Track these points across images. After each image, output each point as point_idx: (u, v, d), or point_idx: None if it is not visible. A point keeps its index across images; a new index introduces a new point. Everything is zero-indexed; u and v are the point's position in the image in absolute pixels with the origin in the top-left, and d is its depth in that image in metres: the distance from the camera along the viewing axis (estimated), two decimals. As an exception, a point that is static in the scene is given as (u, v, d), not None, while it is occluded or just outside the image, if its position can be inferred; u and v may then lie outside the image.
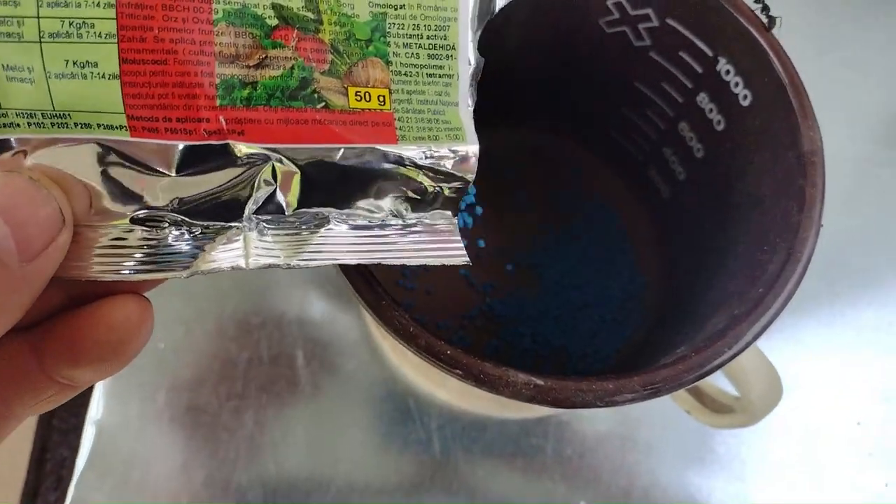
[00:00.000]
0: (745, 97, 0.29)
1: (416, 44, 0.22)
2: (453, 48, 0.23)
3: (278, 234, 0.21)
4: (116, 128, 0.19)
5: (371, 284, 0.24)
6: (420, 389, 0.39)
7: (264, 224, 0.21)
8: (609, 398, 0.23)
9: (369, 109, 0.22)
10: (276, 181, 0.21)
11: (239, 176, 0.20)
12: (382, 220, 0.23)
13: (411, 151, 0.23)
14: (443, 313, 0.38)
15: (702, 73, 0.31)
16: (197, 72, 0.20)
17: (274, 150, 0.21)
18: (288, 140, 0.21)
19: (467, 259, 0.24)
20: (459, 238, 0.24)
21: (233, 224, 0.21)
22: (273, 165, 0.21)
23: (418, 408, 0.39)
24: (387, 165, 0.22)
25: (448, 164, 0.23)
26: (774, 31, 0.27)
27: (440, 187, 0.23)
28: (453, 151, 0.23)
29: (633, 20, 0.31)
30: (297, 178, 0.21)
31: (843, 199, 0.45)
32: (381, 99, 0.22)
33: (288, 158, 0.21)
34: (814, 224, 0.25)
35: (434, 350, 0.23)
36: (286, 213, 0.21)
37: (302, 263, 0.21)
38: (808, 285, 0.25)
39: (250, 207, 0.21)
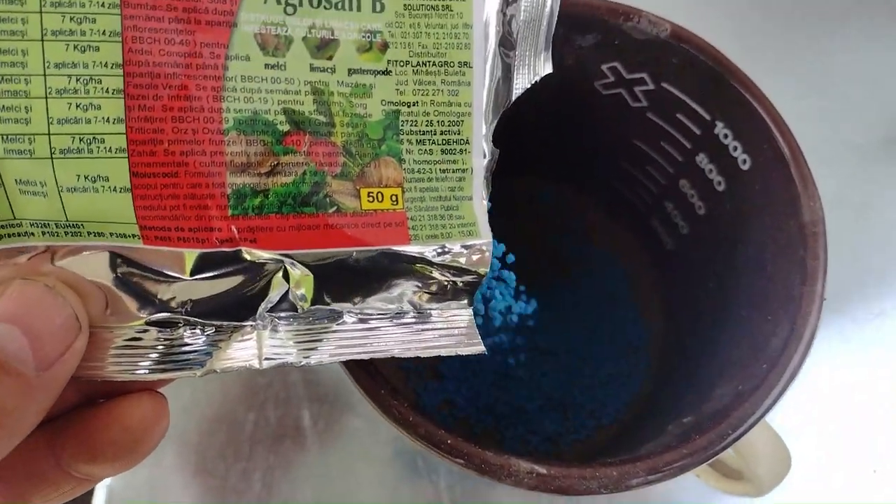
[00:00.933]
0: (745, 161, 0.29)
1: (429, 140, 0.22)
2: (467, 142, 0.23)
3: (291, 330, 0.21)
4: (129, 236, 0.19)
5: (368, 370, 0.24)
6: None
7: (278, 320, 0.21)
8: (614, 485, 0.23)
9: (381, 210, 0.22)
10: (289, 283, 0.21)
11: (251, 279, 0.20)
12: (396, 313, 0.23)
13: (424, 250, 0.22)
14: (446, 374, 0.38)
15: (700, 134, 0.30)
16: (208, 183, 0.20)
17: (286, 256, 0.21)
18: (300, 246, 0.21)
19: (483, 349, 0.23)
20: (475, 326, 0.24)
21: (246, 323, 0.20)
22: (286, 269, 0.21)
23: (426, 466, 0.38)
24: (400, 265, 0.22)
25: (461, 260, 0.23)
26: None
27: (453, 281, 0.23)
28: (466, 247, 0.23)
29: (628, 83, 0.31)
30: (309, 280, 0.21)
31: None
32: (394, 198, 0.22)
33: (300, 263, 0.21)
34: (816, 299, 0.25)
35: (434, 440, 0.23)
36: (299, 312, 0.21)
37: (314, 361, 0.21)
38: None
39: (264, 307, 0.21)
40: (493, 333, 0.33)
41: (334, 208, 0.21)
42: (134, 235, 0.19)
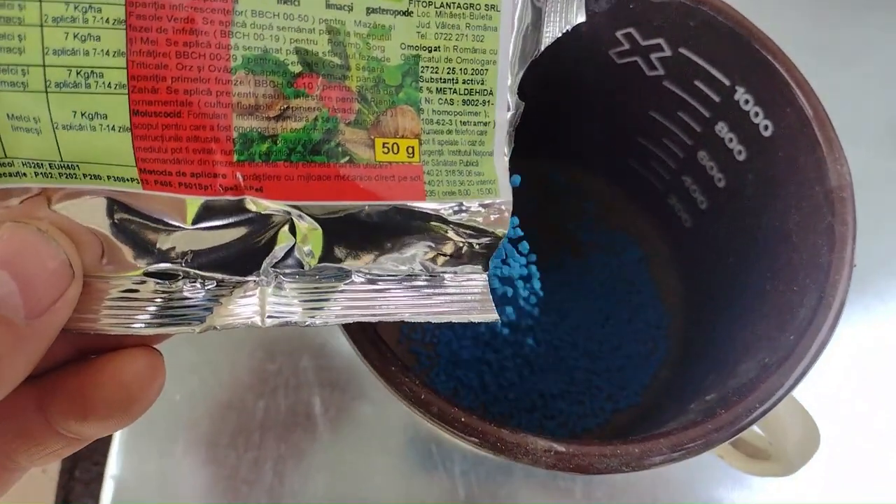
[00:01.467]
0: (767, 128, 0.28)
1: (450, 89, 0.21)
2: (491, 93, 0.21)
3: (296, 288, 0.20)
4: (127, 180, 0.18)
5: (378, 346, 0.23)
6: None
7: (283, 277, 0.20)
8: (636, 463, 0.22)
9: (397, 163, 0.20)
10: (295, 237, 0.20)
11: (256, 232, 0.19)
12: (407, 275, 0.22)
13: (440, 207, 0.21)
14: (461, 355, 0.36)
15: (719, 102, 0.29)
16: (213, 125, 0.18)
17: (294, 207, 0.20)
18: (309, 197, 0.20)
19: (496, 317, 0.22)
20: (489, 294, 0.23)
21: (249, 278, 0.19)
22: (293, 221, 0.20)
23: (440, 453, 0.37)
24: (414, 222, 0.21)
25: (479, 220, 0.22)
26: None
27: (469, 243, 0.22)
28: (485, 206, 0.22)
29: (644, 50, 0.30)
30: (317, 235, 0.20)
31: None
32: (410, 150, 0.21)
33: (309, 215, 0.20)
34: (845, 265, 0.24)
35: (447, 417, 0.22)
36: (305, 269, 0.20)
37: (320, 322, 0.20)
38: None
39: (268, 262, 0.20)
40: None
41: (347, 158, 0.20)
42: (133, 179, 0.18)
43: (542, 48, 0.22)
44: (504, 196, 0.22)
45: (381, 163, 0.20)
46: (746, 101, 0.28)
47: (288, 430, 0.38)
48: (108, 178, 0.18)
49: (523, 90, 0.27)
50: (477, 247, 0.22)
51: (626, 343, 0.38)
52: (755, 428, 0.25)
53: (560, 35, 0.22)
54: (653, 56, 0.30)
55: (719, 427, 0.22)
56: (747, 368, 0.26)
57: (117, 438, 0.38)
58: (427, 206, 0.21)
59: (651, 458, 0.22)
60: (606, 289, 0.39)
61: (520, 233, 0.27)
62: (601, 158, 0.38)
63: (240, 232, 0.19)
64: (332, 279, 0.21)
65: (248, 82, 0.19)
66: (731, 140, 0.30)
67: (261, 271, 0.20)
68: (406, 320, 0.21)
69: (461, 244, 0.22)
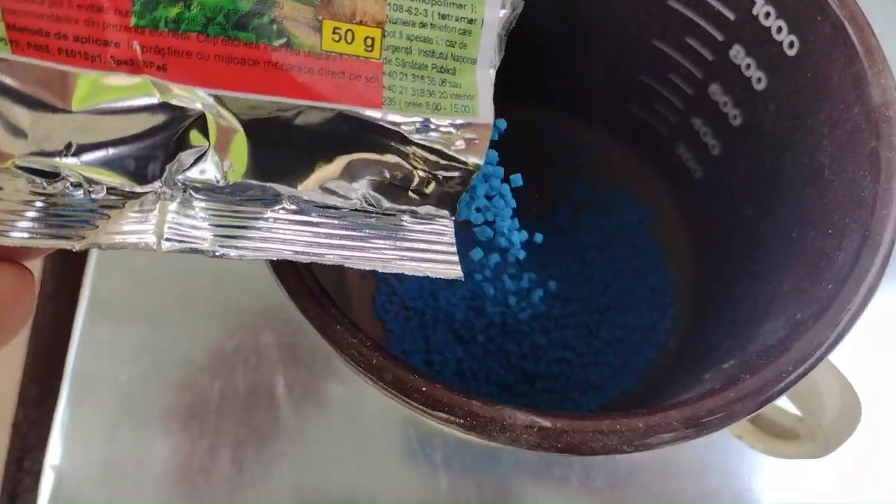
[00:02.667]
0: (792, 45, 0.23)
1: None
2: None
3: (209, 208, 0.16)
4: None
5: (316, 297, 0.19)
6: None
7: (192, 193, 0.16)
8: (640, 441, 0.18)
9: (349, 56, 0.16)
10: (208, 139, 0.16)
11: (160, 128, 0.15)
12: (353, 210, 0.18)
13: (400, 120, 0.17)
14: (437, 327, 0.32)
15: (734, 19, 0.25)
16: None
17: (212, 96, 0.16)
18: (228, 85, 0.16)
19: (460, 273, 0.18)
20: (454, 244, 0.18)
21: (147, 188, 0.16)
22: (206, 117, 0.16)
23: (420, 438, 0.33)
24: (364, 137, 0.17)
25: (449, 145, 0.18)
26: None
27: (435, 175, 0.18)
28: (458, 127, 0.18)
29: (646, -39, 0.25)
30: (238, 139, 0.16)
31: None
32: (369, 43, 0.17)
33: (228, 110, 0.16)
34: (894, 197, 0.20)
35: (404, 386, 0.18)
36: (220, 184, 0.16)
37: (235, 254, 0.16)
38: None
39: (173, 169, 0.16)
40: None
41: (283, 41, 0.16)
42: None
43: None
44: (484, 117, 0.18)
45: (328, 53, 0.16)
46: (767, 15, 0.24)
47: (248, 413, 0.34)
48: None
49: (519, 28, 0.23)
50: (444, 180, 0.18)
51: (629, 313, 0.33)
52: (782, 401, 0.21)
53: None
54: (655, -33, 0.25)
55: (743, 396, 0.18)
56: (773, 328, 0.21)
57: (58, 424, 0.34)
58: (383, 116, 0.17)
59: (659, 434, 0.18)
60: (605, 253, 0.34)
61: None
62: (597, 103, 0.34)
63: (138, 124, 0.15)
64: (257, 202, 0.17)
65: None
66: (748, 66, 0.26)
67: (163, 180, 0.16)
68: (345, 265, 0.17)
69: (424, 175, 0.18)
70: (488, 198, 0.22)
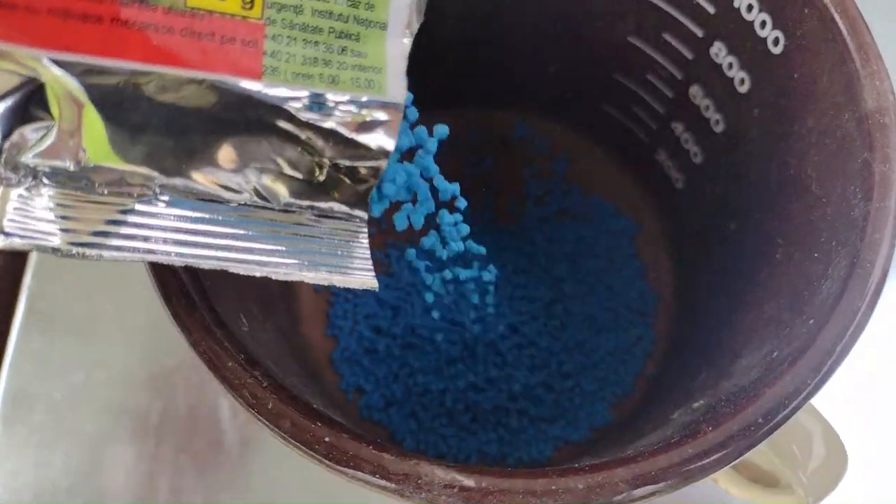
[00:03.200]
0: (777, 41, 0.21)
1: None
2: None
3: (63, 200, 0.14)
4: None
5: (206, 326, 0.16)
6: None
7: (42, 180, 0.13)
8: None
9: (222, 14, 0.14)
10: (51, 114, 0.13)
11: None
12: (243, 204, 0.15)
13: (285, 94, 0.14)
14: (394, 349, 0.29)
15: (715, 13, 0.22)
16: None
17: (49, 61, 0.13)
18: (66, 46, 0.13)
19: (375, 284, 0.16)
20: (367, 248, 0.16)
21: None
22: (44, 87, 0.13)
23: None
24: (246, 114, 0.14)
25: (347, 126, 0.15)
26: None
27: (336, 164, 0.15)
28: (360, 105, 0.15)
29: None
30: (89, 115, 0.13)
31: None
32: (248, 0, 0.14)
33: (71, 77, 0.13)
34: (889, 218, 0.17)
35: (304, 436, 0.15)
36: (72, 169, 0.13)
37: (93, 253, 0.14)
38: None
39: (11, 149, 0.13)
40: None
41: None
42: None
43: None
44: (393, 94, 0.15)
45: (193, 10, 0.13)
46: (750, 8, 0.21)
47: (189, 436, 0.31)
48: None
49: (485, 25, 0.20)
50: (347, 171, 0.15)
51: (605, 333, 0.30)
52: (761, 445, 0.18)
53: None
54: (627, -47, 0.23)
55: (703, 452, 0.15)
56: (749, 364, 0.19)
57: (-15, 445, 0.31)
58: (264, 89, 0.14)
59: (602, 495, 0.15)
60: (580, 267, 0.31)
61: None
62: (574, 106, 0.31)
63: None
64: (122, 193, 0.14)
65: None
66: (730, 66, 0.23)
67: (3, 161, 0.13)
68: (228, 270, 0.14)
69: (323, 163, 0.15)
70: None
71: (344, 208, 0.16)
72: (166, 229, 0.14)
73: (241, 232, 0.15)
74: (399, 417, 0.28)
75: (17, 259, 0.34)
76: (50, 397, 0.32)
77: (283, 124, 0.15)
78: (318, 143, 0.15)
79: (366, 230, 0.16)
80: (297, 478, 0.30)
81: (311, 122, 0.15)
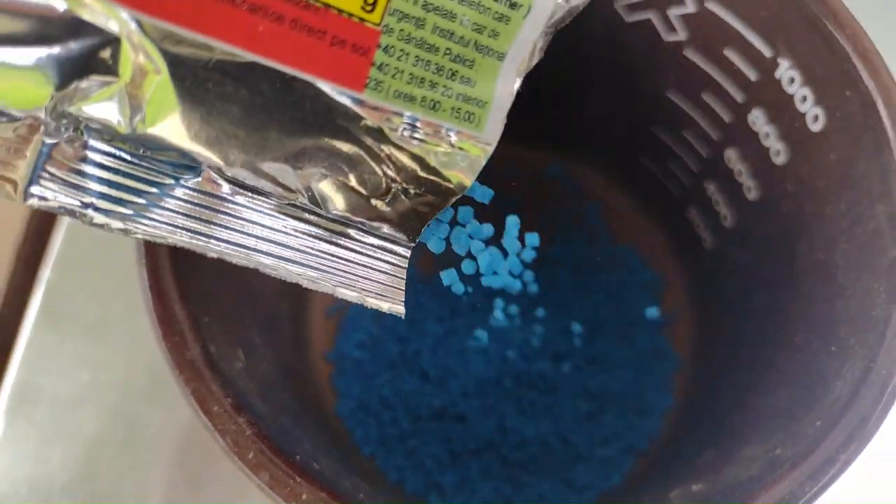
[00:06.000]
0: (816, 118, 0.20)
1: None
2: None
3: (101, 162, 0.13)
4: None
5: (186, 349, 0.16)
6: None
7: (84, 134, 0.13)
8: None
9: (340, 12, 0.12)
10: (119, 73, 0.12)
11: (53, 36, 0.12)
12: (290, 204, 0.14)
13: (381, 114, 0.13)
14: (381, 394, 0.29)
15: (755, 81, 0.21)
16: None
17: (133, 20, 0.12)
18: (164, 13, 0.12)
19: (402, 310, 0.15)
20: (404, 274, 0.15)
21: (22, 113, 0.12)
22: (120, 43, 0.12)
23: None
24: (334, 121, 0.13)
25: (434, 157, 0.14)
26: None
27: (406, 188, 0.14)
28: (454, 136, 0.14)
29: (660, 3, 0.22)
30: (161, 84, 0.12)
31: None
32: (371, 2, 0.13)
33: (153, 45, 0.12)
34: (912, 324, 0.16)
35: (282, 490, 0.15)
36: (123, 131, 0.13)
37: (118, 226, 0.13)
38: None
39: (63, 99, 0.12)
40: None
41: None
42: None
43: None
44: (489, 133, 0.14)
45: (311, 4, 0.12)
46: (792, 80, 0.20)
47: (185, 452, 0.31)
48: None
49: None
50: (415, 196, 0.14)
51: (620, 397, 0.30)
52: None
53: None
54: (671, 12, 0.22)
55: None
56: (752, 456, 0.18)
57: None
58: (361, 103, 0.13)
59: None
60: (601, 322, 0.31)
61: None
62: (608, 153, 0.30)
63: (27, 28, 0.12)
64: (165, 166, 0.13)
65: None
66: (767, 136, 0.22)
67: (48, 110, 0.12)
68: (258, 269, 0.14)
69: (393, 185, 0.14)
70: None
71: (394, 232, 0.15)
72: (200, 212, 0.13)
73: (280, 229, 0.14)
74: (396, 455, 0.28)
75: (37, 249, 0.34)
76: (55, 394, 0.32)
77: (368, 140, 0.14)
78: (399, 165, 0.14)
79: (408, 257, 0.15)
80: None
81: (398, 143, 0.14)
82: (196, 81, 0.13)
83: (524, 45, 0.14)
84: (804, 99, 0.20)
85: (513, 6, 0.14)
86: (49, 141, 0.12)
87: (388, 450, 0.28)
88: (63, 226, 0.34)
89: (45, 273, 0.33)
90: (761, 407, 0.20)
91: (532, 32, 0.14)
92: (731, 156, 0.24)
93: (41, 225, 0.34)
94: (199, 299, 0.17)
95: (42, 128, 0.12)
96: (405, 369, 0.29)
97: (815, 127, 0.20)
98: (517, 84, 0.14)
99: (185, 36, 0.12)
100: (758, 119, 0.22)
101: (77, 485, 0.31)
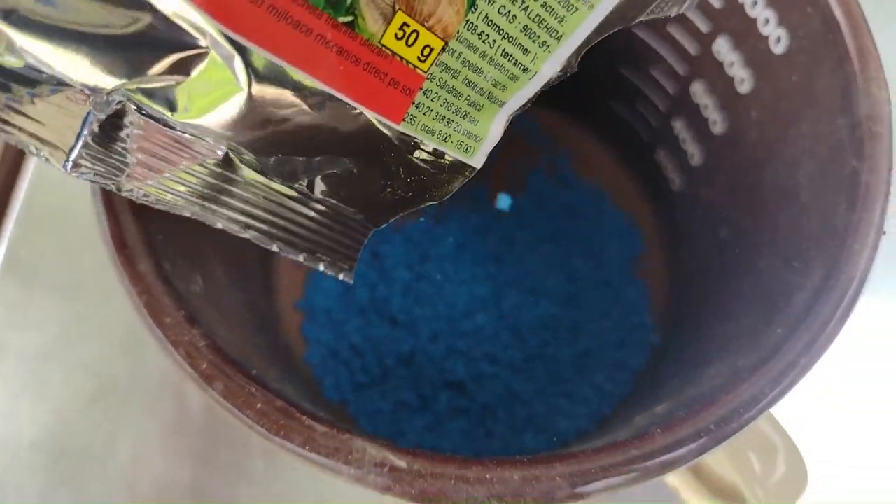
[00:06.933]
0: (779, 40, 0.20)
1: (524, 2, 0.14)
2: (559, 37, 0.15)
3: (143, 139, 0.14)
4: None
5: (138, 261, 0.15)
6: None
7: (132, 109, 0.13)
8: (511, 496, 0.14)
9: (401, 59, 0.14)
10: (189, 74, 0.13)
11: (143, 38, 0.13)
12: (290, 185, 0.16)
13: (409, 140, 0.15)
14: (350, 341, 0.29)
15: (720, 8, 0.21)
16: None
17: (229, 42, 0.13)
18: (266, 44, 0.13)
19: (351, 279, 0.17)
20: (361, 247, 0.17)
21: (79, 86, 0.13)
22: (209, 57, 0.13)
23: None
24: (366, 143, 0.15)
25: (433, 174, 0.16)
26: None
27: (396, 192, 0.17)
28: (451, 160, 0.16)
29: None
30: (232, 97, 0.14)
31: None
32: (426, 52, 0.14)
33: (248, 67, 0.13)
34: (871, 230, 0.16)
35: (236, 400, 0.15)
36: (166, 116, 0.14)
37: (139, 194, 0.15)
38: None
39: (126, 83, 0.13)
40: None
41: (349, 18, 0.13)
42: None
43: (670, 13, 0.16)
44: (476, 162, 0.17)
45: (383, 48, 0.14)
46: (755, 3, 0.20)
47: (155, 402, 0.31)
48: None
49: None
50: (398, 198, 0.17)
51: (597, 333, 0.30)
52: (722, 457, 0.17)
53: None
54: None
55: (648, 454, 0.15)
56: (715, 373, 0.18)
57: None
58: (396, 131, 0.15)
59: (535, 490, 0.14)
60: (577, 262, 0.31)
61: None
62: (577, 98, 0.30)
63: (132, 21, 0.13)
64: (197, 155, 0.15)
65: None
66: (732, 64, 0.22)
67: (107, 91, 0.13)
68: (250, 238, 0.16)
69: (387, 190, 0.16)
70: None
71: (367, 221, 0.17)
72: (214, 189, 0.15)
73: (272, 201, 0.16)
74: (366, 401, 0.27)
75: None
76: (22, 349, 0.31)
77: (388, 160, 0.15)
78: (404, 177, 0.16)
79: (370, 234, 0.17)
80: (262, 448, 0.30)
81: (409, 162, 0.16)
82: (269, 101, 0.14)
83: (522, 98, 0.16)
84: (767, 21, 0.20)
85: (525, 70, 0.15)
86: (95, 112, 0.13)
87: (358, 396, 0.28)
88: (25, 181, 0.33)
89: (8, 228, 0.33)
90: (727, 331, 0.20)
91: (530, 90, 0.16)
92: (698, 90, 0.24)
93: (4, 180, 0.33)
94: (155, 219, 0.16)
95: (92, 97, 0.13)
96: (375, 315, 0.29)
97: (778, 49, 0.20)
98: (505, 125, 0.17)
99: (283, 68, 0.13)
100: (722, 48, 0.22)
101: (46, 439, 0.30)
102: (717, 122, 0.24)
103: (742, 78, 0.22)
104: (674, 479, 0.23)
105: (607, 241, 0.31)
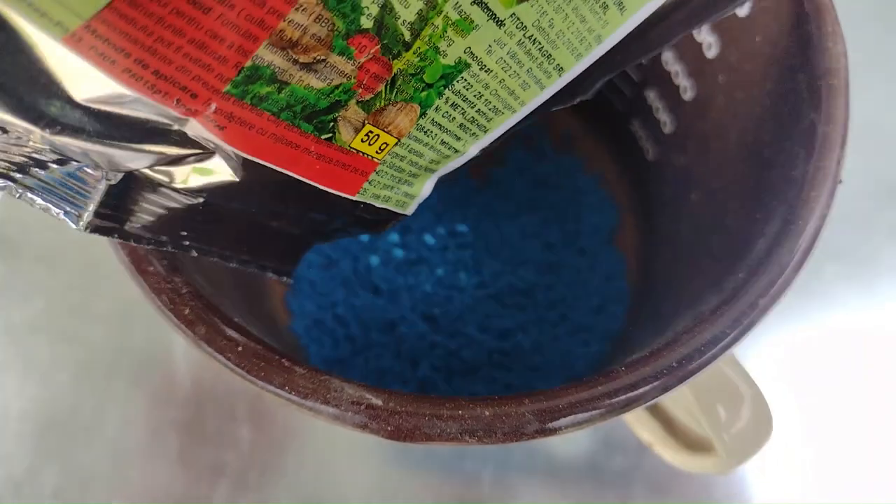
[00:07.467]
0: (744, 2, 0.20)
1: (461, 110, 0.17)
2: (485, 131, 0.18)
3: (143, 195, 0.16)
4: (55, 23, 0.12)
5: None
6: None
7: (141, 179, 0.16)
8: (484, 432, 0.15)
9: (361, 154, 0.17)
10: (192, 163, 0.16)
11: (162, 136, 0.15)
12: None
13: (358, 204, 0.19)
14: (335, 311, 0.29)
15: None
16: (233, 43, 0.14)
17: (236, 155, 0.16)
18: (261, 154, 0.16)
19: (290, 282, 0.22)
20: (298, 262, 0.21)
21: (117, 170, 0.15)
22: (213, 156, 0.16)
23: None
24: (325, 203, 0.18)
25: (372, 221, 0.20)
26: None
27: (345, 228, 0.20)
28: (384, 212, 0.19)
29: None
30: (217, 168, 0.16)
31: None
32: (382, 148, 0.17)
33: (232, 160, 0.16)
34: (827, 178, 0.17)
35: (217, 343, 0.15)
36: (163, 183, 0.16)
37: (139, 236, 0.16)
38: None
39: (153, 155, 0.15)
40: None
41: (329, 136, 0.16)
42: (61, 25, 0.12)
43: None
44: (409, 212, 0.20)
45: (349, 150, 0.17)
46: (719, -32, 0.21)
47: (142, 372, 0.31)
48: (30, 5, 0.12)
49: None
50: (340, 230, 0.20)
51: (574, 302, 0.30)
52: (694, 407, 0.18)
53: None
54: None
55: (612, 391, 0.15)
56: (683, 322, 0.18)
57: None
58: (349, 199, 0.18)
59: (505, 425, 0.15)
60: (554, 232, 0.31)
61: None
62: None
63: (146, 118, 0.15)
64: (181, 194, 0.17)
65: (310, 13, 0.14)
66: (699, 30, 0.23)
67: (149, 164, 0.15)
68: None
69: (339, 229, 0.20)
70: None
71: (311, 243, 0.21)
72: (192, 223, 0.17)
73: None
74: (352, 369, 0.28)
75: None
76: (8, 321, 0.32)
77: (342, 214, 0.19)
78: (350, 222, 0.19)
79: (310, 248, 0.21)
80: (249, 413, 0.31)
81: (359, 215, 0.19)
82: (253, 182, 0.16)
83: (450, 167, 0.19)
84: (731, -16, 0.20)
85: (455, 151, 0.18)
86: (103, 184, 0.15)
87: (343, 364, 0.28)
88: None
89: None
90: (695, 287, 0.21)
91: (459, 162, 0.19)
92: (668, 58, 0.25)
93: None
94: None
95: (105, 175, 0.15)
96: (358, 286, 0.29)
97: (742, 12, 0.21)
98: (433, 184, 0.19)
99: (269, 168, 0.16)
100: (690, 14, 0.23)
101: (33, 410, 0.31)
102: (686, 88, 0.24)
103: (710, 43, 0.22)
104: (648, 434, 0.24)
105: (584, 211, 0.32)
